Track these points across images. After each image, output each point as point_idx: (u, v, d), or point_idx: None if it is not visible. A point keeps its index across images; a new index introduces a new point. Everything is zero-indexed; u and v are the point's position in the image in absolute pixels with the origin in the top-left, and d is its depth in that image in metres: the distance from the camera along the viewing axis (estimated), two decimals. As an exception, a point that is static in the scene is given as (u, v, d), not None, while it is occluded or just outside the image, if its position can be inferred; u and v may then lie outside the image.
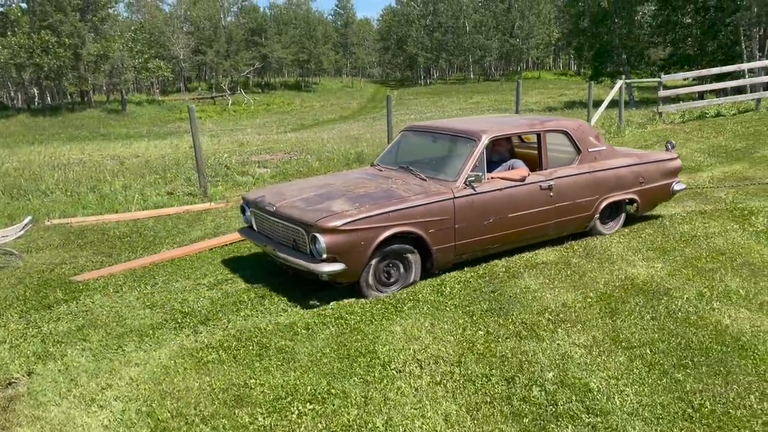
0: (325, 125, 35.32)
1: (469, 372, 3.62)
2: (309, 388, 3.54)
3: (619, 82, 14.00)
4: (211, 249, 6.60)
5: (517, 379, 3.50)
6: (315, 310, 4.72)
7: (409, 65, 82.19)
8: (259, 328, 4.40)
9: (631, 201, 6.31)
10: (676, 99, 17.44)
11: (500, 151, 5.98)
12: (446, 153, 5.73)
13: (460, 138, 5.53)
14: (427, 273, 5.20)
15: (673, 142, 6.91)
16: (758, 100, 14.56)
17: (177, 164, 12.64)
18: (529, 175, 5.42)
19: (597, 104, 14.97)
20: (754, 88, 15.18)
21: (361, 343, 4.07)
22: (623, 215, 6.37)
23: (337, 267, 4.56)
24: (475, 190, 5.12)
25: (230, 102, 55.97)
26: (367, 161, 11.40)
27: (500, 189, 5.26)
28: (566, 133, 5.84)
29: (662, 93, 14.68)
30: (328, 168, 11.11)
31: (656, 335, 3.90)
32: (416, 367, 3.73)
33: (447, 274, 5.35)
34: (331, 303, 4.82)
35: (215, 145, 18.31)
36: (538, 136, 5.70)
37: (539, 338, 4.01)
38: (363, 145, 13.87)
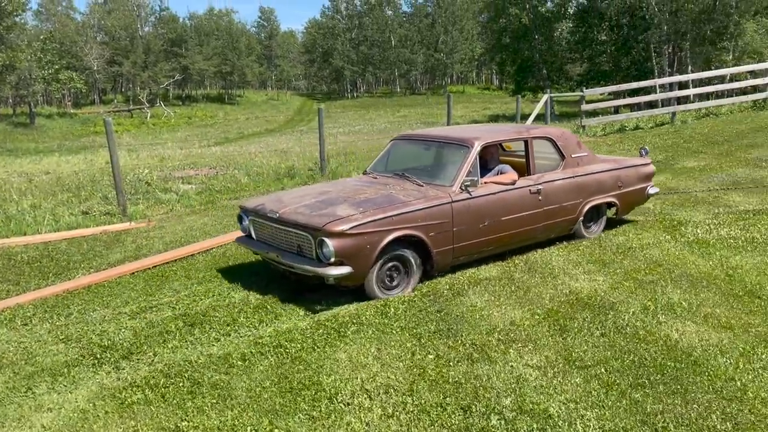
0: (251, 138, 34.53)
1: (423, 402, 3.39)
2: (249, 428, 3.21)
3: (545, 96, 14.35)
4: (133, 273, 6.10)
5: (473, 407, 3.30)
6: (251, 338, 4.38)
7: (335, 78, 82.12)
8: (189, 362, 4.02)
9: (612, 204, 6.57)
10: (594, 113, 18.10)
11: (489, 158, 6.06)
12: (440, 160, 5.93)
13: (453, 145, 5.70)
14: (426, 276, 5.31)
15: (647, 148, 7.10)
16: (673, 114, 15.29)
17: (92, 181, 11.82)
18: (518, 179, 5.68)
19: (515, 118, 15.26)
20: (667, 102, 15.94)
21: (304, 374, 3.77)
22: (604, 218, 6.62)
23: (344, 270, 4.64)
24: (470, 195, 5.30)
25: (149, 115, 53.87)
26: (298, 176, 11.07)
27: (493, 193, 5.48)
28: (551, 140, 6.08)
29: (585, 107, 15.15)
30: (258, 184, 10.69)
31: (609, 353, 3.81)
32: (365, 398, 3.47)
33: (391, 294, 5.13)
34: (269, 330, 4.50)
35: (134, 160, 17.41)
36: (526, 142, 5.91)
37: (491, 360, 3.84)
38: (293, 159, 13.51)
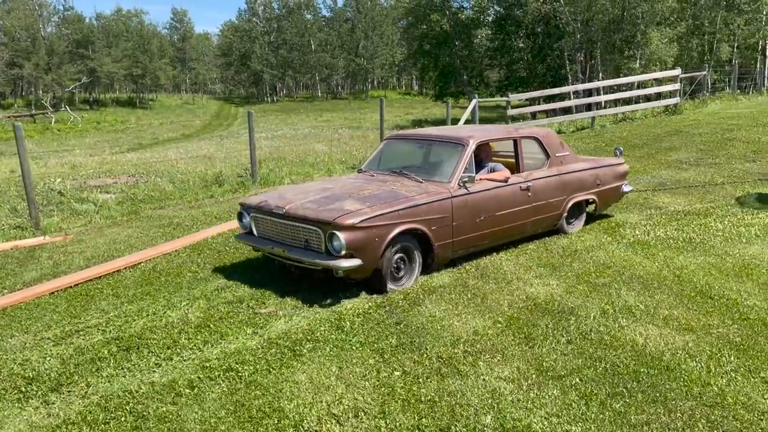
0: (167, 144, 33.05)
1: (398, 424, 3.16)
2: (208, 467, 2.87)
3: (474, 101, 14.48)
4: (53, 293, 5.51)
5: (453, 428, 3.10)
6: (197, 362, 4.00)
7: (254, 82, 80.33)
8: (129, 392, 3.60)
9: (591, 201, 6.85)
10: (515, 118, 18.49)
11: (482, 156, 6.18)
12: (436, 157, 6.11)
13: (449, 143, 5.91)
14: (427, 269, 5.45)
15: (621, 148, 7.36)
16: (593, 119, 15.85)
17: (-3, 191, 10.82)
18: (510, 176, 5.91)
19: (438, 122, 15.34)
20: (581, 107, 16.54)
21: (263, 400, 3.45)
22: (584, 215, 6.91)
23: (354, 262, 4.74)
24: (468, 190, 5.50)
25: (53, 120, 50.61)
26: (227, 182, 10.57)
27: (488, 189, 5.69)
28: (537, 140, 6.36)
29: (510, 112, 15.43)
30: (184, 192, 10.11)
31: (579, 361, 3.73)
32: (334, 424, 3.20)
33: (343, 306, 4.87)
34: (215, 351, 4.13)
35: (41, 168, 16.18)
36: (515, 141, 6.16)
37: (462, 374, 3.66)
38: (219, 165, 12.93)
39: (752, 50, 36.74)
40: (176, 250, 6.68)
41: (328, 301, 4.96)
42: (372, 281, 5.09)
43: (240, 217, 5.71)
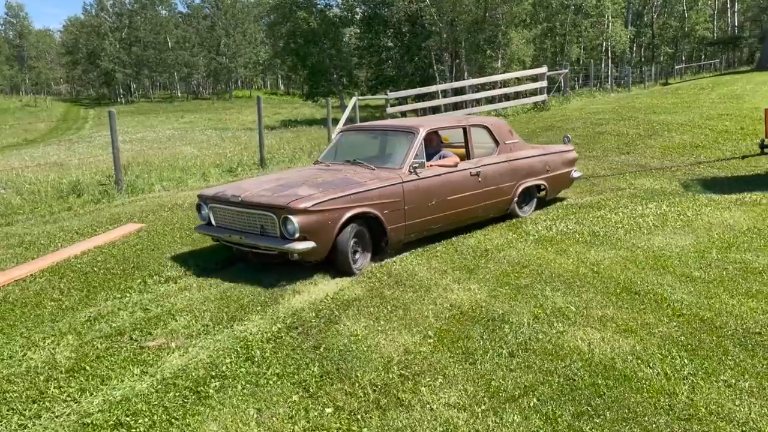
0: (7, 151, 29.46)
1: (345, 480, 2.62)
2: None
3: (354, 99, 14.09)
4: None
5: (412, 476, 2.61)
6: (74, 419, 3.19)
7: (105, 82, 74.33)
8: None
9: (542, 187, 7.18)
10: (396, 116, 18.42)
11: (432, 144, 6.41)
12: (388, 146, 6.39)
13: (400, 132, 6.23)
14: (381, 253, 5.66)
15: (569, 136, 7.73)
16: (469, 116, 16.09)
17: None
18: (459, 162, 6.15)
19: (309, 122, 14.87)
20: (450, 106, 16.81)
21: (169, 466, 2.75)
22: (536, 200, 7.19)
23: (308, 245, 4.92)
24: (418, 176, 5.73)
25: None
26: (86, 192, 9.30)
27: (439, 175, 5.94)
28: (486, 128, 6.67)
29: (390, 110, 15.24)
30: (35, 205, 8.71)
31: (530, 377, 3.39)
32: (266, 488, 2.59)
33: (247, 330, 4.22)
34: (96, 401, 3.32)
35: None
36: (464, 130, 6.44)
37: (405, 405, 3.18)
38: (75, 172, 11.43)
39: (597, 51, 39.96)
40: (32, 275, 5.59)
41: (230, 326, 4.28)
42: (337, 265, 5.26)
43: (198, 208, 5.85)
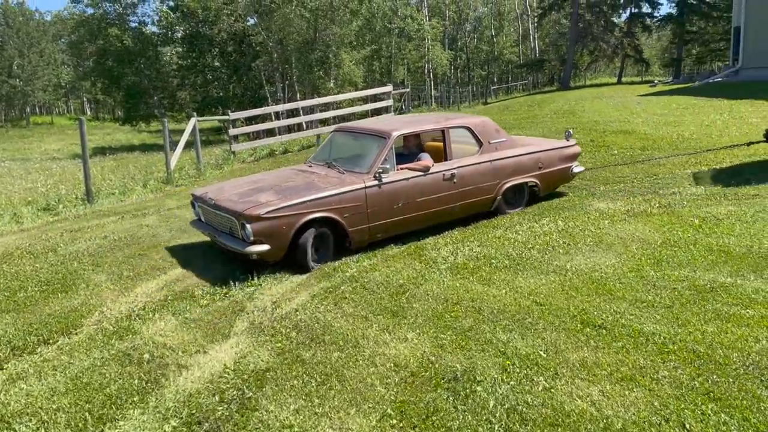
0: None
1: None
2: None
3: (193, 120, 12.58)
4: None
5: None
6: None
7: None
8: None
9: (533, 185, 7.15)
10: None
11: (410, 147, 6.64)
12: (361, 149, 6.48)
13: (373, 136, 6.36)
14: (347, 251, 5.89)
15: (571, 131, 7.71)
16: (318, 136, 15.28)
17: None
18: (433, 165, 6.27)
19: (127, 149, 13.18)
20: (284, 129, 15.99)
21: None
22: (526, 197, 7.21)
23: (263, 248, 5.27)
24: (381, 181, 5.89)
25: None
26: None
27: (406, 179, 6.10)
28: (469, 129, 6.72)
29: (233, 131, 13.94)
30: None
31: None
32: None
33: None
34: None
35: None
36: (443, 131, 6.53)
37: None
38: None
39: (421, 72, 41.56)
40: None
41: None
42: (297, 261, 5.51)
43: (193, 205, 6.39)
